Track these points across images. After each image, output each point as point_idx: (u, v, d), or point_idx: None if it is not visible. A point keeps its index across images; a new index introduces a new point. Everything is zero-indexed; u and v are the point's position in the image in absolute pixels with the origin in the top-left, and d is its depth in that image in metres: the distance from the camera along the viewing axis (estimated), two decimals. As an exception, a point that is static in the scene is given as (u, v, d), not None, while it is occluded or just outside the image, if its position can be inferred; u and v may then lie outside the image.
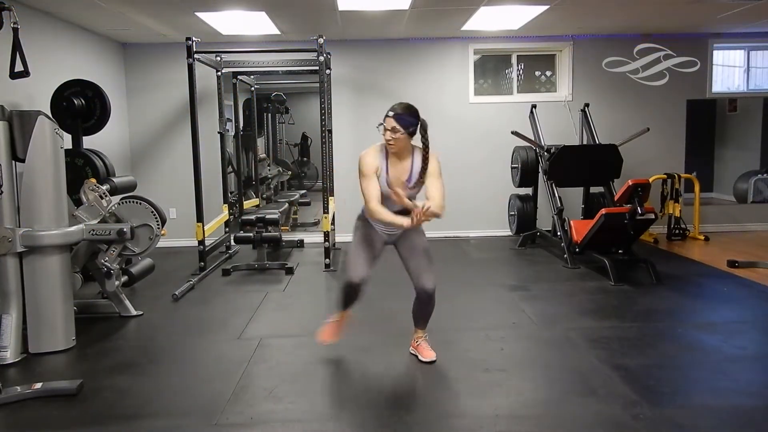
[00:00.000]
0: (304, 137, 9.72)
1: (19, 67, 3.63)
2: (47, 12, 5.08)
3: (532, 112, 6.38)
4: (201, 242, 5.47)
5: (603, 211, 4.96)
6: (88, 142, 4.93)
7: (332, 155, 6.34)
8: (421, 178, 2.94)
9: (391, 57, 6.84)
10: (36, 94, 4.72)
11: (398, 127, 2.83)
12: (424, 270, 3.06)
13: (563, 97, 7.01)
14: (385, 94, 6.86)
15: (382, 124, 2.89)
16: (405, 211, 2.89)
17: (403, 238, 3.09)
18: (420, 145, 2.94)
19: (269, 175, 8.49)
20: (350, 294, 3.14)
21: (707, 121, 8.59)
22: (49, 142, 3.47)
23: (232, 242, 6.23)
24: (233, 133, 7.23)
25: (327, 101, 5.72)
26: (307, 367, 3.22)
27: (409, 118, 2.86)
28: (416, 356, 3.26)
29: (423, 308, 3.18)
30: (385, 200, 2.94)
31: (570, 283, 4.84)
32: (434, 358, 3.19)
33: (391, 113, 2.86)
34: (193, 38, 5.29)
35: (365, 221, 3.11)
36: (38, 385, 2.86)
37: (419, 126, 2.90)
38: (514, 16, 5.75)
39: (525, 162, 6.30)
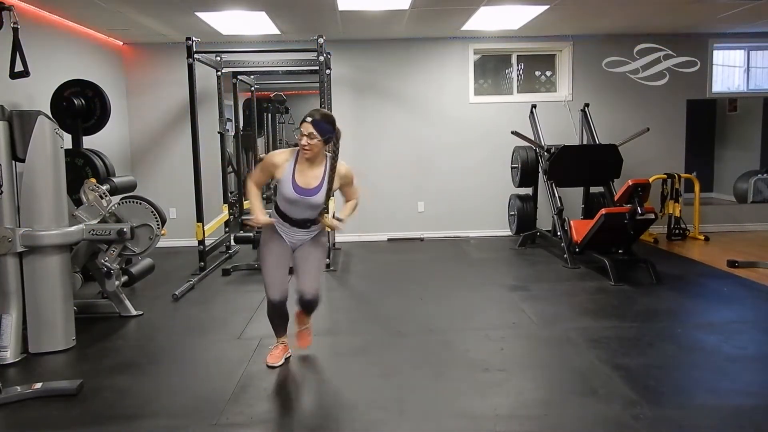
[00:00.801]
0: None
1: (19, 67, 3.64)
2: (47, 12, 5.08)
3: (532, 112, 6.38)
4: (201, 242, 5.47)
5: (603, 211, 4.96)
6: (88, 142, 4.93)
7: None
8: (330, 185, 2.97)
9: (391, 57, 6.84)
10: (36, 94, 4.72)
11: (315, 133, 2.86)
12: (310, 278, 3.11)
13: (563, 97, 7.01)
14: (385, 94, 6.87)
15: (298, 128, 2.93)
16: (303, 223, 3.01)
17: (304, 246, 3.12)
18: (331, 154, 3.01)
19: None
20: (276, 314, 3.18)
21: (707, 121, 8.59)
22: (49, 142, 3.47)
23: (232, 242, 6.23)
24: (233, 133, 7.23)
25: (327, 101, 5.72)
26: (306, 367, 3.23)
27: (326, 125, 2.90)
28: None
29: (306, 309, 3.24)
30: (289, 205, 2.98)
31: (570, 283, 4.84)
32: (305, 346, 3.32)
33: (308, 119, 2.88)
34: (193, 38, 5.29)
35: (272, 229, 3.11)
36: (38, 385, 2.86)
37: (334, 135, 2.94)
38: (514, 16, 5.75)
39: (525, 162, 6.30)
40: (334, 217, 3.09)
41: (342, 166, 3.01)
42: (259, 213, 3.02)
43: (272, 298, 3.09)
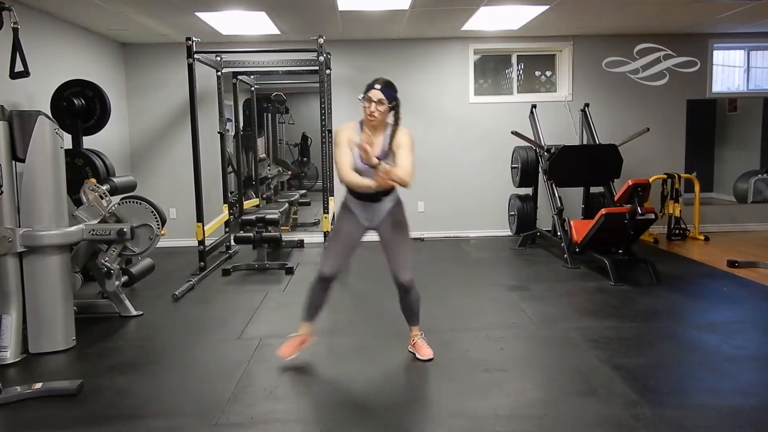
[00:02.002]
0: (304, 137, 9.73)
1: (19, 67, 3.63)
2: (47, 12, 5.08)
3: (532, 112, 6.38)
4: (201, 242, 5.47)
5: (603, 211, 4.96)
6: (88, 142, 4.92)
7: (332, 155, 6.34)
8: (391, 150, 2.95)
9: (391, 57, 6.84)
10: (36, 94, 4.72)
11: (384, 98, 2.89)
12: (401, 262, 3.09)
13: (563, 97, 7.01)
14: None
15: (364, 97, 2.91)
16: (375, 195, 2.97)
17: (384, 225, 3.08)
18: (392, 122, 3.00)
19: (269, 175, 8.49)
20: (319, 289, 3.13)
21: (707, 121, 8.59)
22: (49, 142, 3.47)
23: (232, 242, 6.23)
24: (233, 133, 7.23)
25: (327, 101, 5.72)
26: (307, 367, 3.22)
27: (392, 91, 2.94)
28: (414, 354, 3.26)
29: (405, 301, 3.21)
30: (360, 176, 2.95)
31: (570, 283, 4.84)
32: (431, 356, 3.20)
33: (377, 86, 2.90)
34: (193, 38, 5.30)
35: (346, 207, 3.10)
36: (38, 385, 2.86)
37: (397, 101, 2.96)
38: (514, 16, 5.75)
39: (525, 162, 6.30)
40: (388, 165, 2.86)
41: (402, 131, 2.99)
42: (368, 182, 2.87)
43: (322, 269, 3.05)
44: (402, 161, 2.93)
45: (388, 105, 2.91)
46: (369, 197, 3.01)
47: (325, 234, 5.60)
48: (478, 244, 6.68)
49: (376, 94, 2.88)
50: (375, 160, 2.78)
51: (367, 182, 2.90)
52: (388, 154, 2.95)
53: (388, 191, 3.04)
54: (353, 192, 3.04)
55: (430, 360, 3.19)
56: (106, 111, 4.90)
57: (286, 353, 3.18)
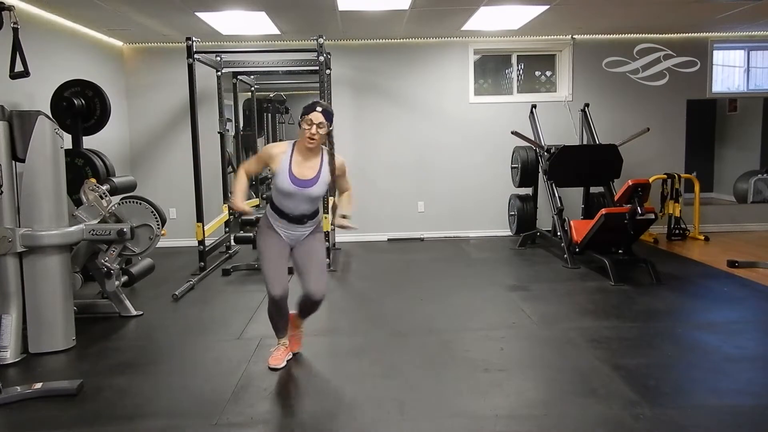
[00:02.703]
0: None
1: (19, 67, 3.63)
2: (47, 12, 5.08)
3: (532, 112, 6.38)
4: (201, 242, 5.47)
5: (603, 211, 4.96)
6: (88, 142, 4.93)
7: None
8: (331, 175, 3.01)
9: (391, 57, 6.84)
10: (36, 94, 4.72)
11: (324, 122, 2.91)
12: (317, 278, 3.10)
13: (563, 97, 7.01)
14: (385, 95, 6.87)
15: (303, 119, 2.92)
16: (300, 218, 3.02)
17: (302, 244, 3.11)
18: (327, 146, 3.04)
19: (269, 175, 8.48)
20: (277, 311, 3.16)
21: (707, 121, 8.59)
22: (49, 142, 3.47)
23: (232, 242, 6.23)
24: (233, 133, 7.23)
25: (327, 101, 5.72)
26: (307, 367, 3.23)
27: (331, 116, 2.97)
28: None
29: (309, 309, 3.24)
30: (286, 199, 2.99)
31: (570, 283, 4.84)
32: (300, 350, 3.34)
33: (319, 108, 2.92)
34: (193, 38, 5.29)
35: (268, 226, 3.10)
36: (38, 385, 2.86)
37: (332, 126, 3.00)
38: (514, 16, 5.75)
39: (525, 162, 6.30)
40: (337, 216, 3.10)
41: (339, 158, 3.05)
42: (239, 198, 3.03)
43: (274, 293, 3.05)
44: (347, 185, 3.16)
45: (329, 127, 2.93)
46: (292, 219, 3.03)
47: (325, 234, 5.58)
48: (478, 244, 6.68)
49: (318, 116, 2.89)
50: (343, 222, 3.03)
51: (237, 198, 3.01)
52: (324, 178, 2.98)
53: (312, 216, 3.08)
54: (276, 210, 3.04)
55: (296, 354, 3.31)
56: (106, 111, 4.90)
57: (276, 363, 3.19)
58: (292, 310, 3.28)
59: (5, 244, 3.35)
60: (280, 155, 2.97)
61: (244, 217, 5.73)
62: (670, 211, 6.52)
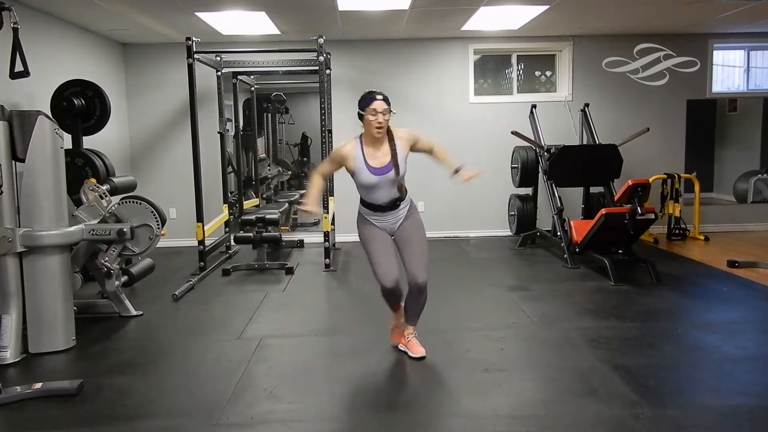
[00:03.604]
0: (304, 137, 9.72)
1: (19, 67, 3.63)
2: (47, 12, 5.08)
3: (532, 112, 6.38)
4: (201, 242, 5.47)
5: (603, 211, 4.96)
6: (88, 142, 4.93)
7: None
8: (401, 152, 3.02)
9: (392, 57, 6.84)
10: (36, 94, 4.72)
11: (388, 108, 2.97)
12: (418, 263, 3.11)
13: (563, 97, 7.01)
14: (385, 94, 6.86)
15: (367, 110, 2.96)
16: (393, 203, 3.04)
17: (402, 229, 3.14)
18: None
19: (269, 175, 8.49)
20: (391, 298, 3.22)
21: (707, 121, 8.59)
22: (49, 142, 3.47)
23: (232, 242, 6.23)
24: (233, 133, 7.23)
25: (327, 101, 5.73)
26: (307, 367, 3.23)
27: (388, 99, 3.02)
28: (406, 352, 3.28)
29: (414, 302, 3.22)
30: (373, 191, 3.02)
31: (570, 283, 4.84)
32: (424, 354, 3.22)
33: (379, 97, 2.98)
34: (193, 38, 5.30)
35: (364, 220, 3.16)
36: (38, 385, 2.86)
37: None
38: (514, 16, 5.75)
39: (525, 162, 6.30)
40: (458, 176, 3.12)
41: (399, 130, 3.06)
42: (312, 202, 3.04)
43: (386, 286, 3.09)
44: (436, 147, 3.19)
45: (390, 113, 2.97)
46: (385, 207, 3.07)
47: (326, 234, 5.59)
48: (478, 244, 6.68)
49: (381, 104, 2.95)
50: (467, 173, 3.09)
51: (313, 191, 3.09)
52: (399, 156, 3.01)
53: (402, 197, 3.10)
54: (368, 204, 3.09)
55: (422, 358, 3.21)
56: (106, 111, 4.89)
57: (397, 339, 3.31)
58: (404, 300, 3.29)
59: (5, 244, 3.35)
60: (352, 153, 3.01)
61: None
62: (670, 211, 6.52)
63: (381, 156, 3.00)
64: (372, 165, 2.98)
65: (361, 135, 3.05)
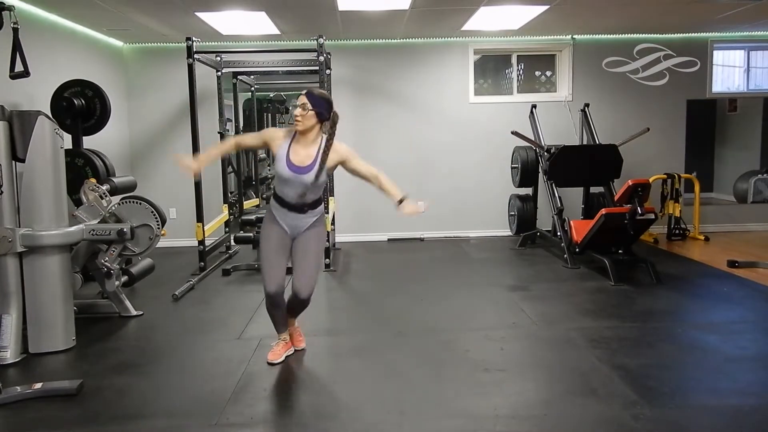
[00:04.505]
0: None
1: (19, 67, 3.64)
2: (47, 12, 5.08)
3: (532, 112, 6.38)
4: (201, 242, 5.47)
5: (603, 211, 4.96)
6: (88, 142, 4.93)
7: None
8: (323, 163, 2.97)
9: (391, 57, 6.84)
10: (36, 94, 4.72)
11: (308, 104, 2.94)
12: (306, 278, 3.11)
13: (563, 97, 7.01)
14: (385, 95, 6.87)
15: (294, 105, 2.98)
16: (300, 206, 3.02)
17: (301, 239, 3.12)
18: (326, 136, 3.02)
19: (269, 175, 8.49)
20: (272, 305, 3.17)
21: (707, 121, 8.59)
22: (49, 142, 3.47)
23: (232, 242, 6.23)
24: (233, 133, 7.22)
25: (327, 101, 5.71)
26: (307, 366, 3.23)
27: (320, 100, 2.97)
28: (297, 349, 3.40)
29: (295, 308, 3.25)
30: (284, 185, 3.01)
31: (570, 283, 4.84)
32: (304, 346, 3.39)
33: (304, 92, 2.98)
34: (193, 38, 5.30)
35: (271, 218, 3.12)
36: (38, 385, 2.86)
37: (331, 117, 3.00)
38: (514, 16, 5.74)
39: (525, 162, 6.30)
40: (401, 207, 3.03)
41: (339, 145, 3.02)
42: (199, 158, 3.10)
43: (268, 289, 3.09)
44: (376, 175, 3.05)
45: (313, 111, 2.93)
46: (292, 206, 3.04)
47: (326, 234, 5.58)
48: (478, 244, 6.68)
49: (302, 98, 2.96)
50: (412, 208, 3.02)
51: (213, 150, 3.17)
52: (318, 165, 2.97)
53: (313, 205, 3.08)
54: (277, 197, 3.07)
55: (302, 350, 3.38)
56: (106, 111, 4.89)
57: (274, 358, 3.23)
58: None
59: (5, 244, 3.35)
60: (281, 140, 3.02)
61: (243, 218, 5.72)
62: (670, 211, 6.52)
63: (304, 156, 2.97)
64: (292, 160, 2.97)
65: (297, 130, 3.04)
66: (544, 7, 5.37)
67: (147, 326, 4.00)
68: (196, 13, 5.26)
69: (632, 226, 4.90)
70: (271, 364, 3.18)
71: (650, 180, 5.48)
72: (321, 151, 2.98)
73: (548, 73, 7.32)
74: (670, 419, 2.52)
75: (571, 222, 5.51)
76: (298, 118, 2.94)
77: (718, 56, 7.14)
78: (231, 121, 7.14)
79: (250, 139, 3.18)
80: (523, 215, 6.50)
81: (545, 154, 5.93)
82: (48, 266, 3.48)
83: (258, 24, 5.72)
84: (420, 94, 6.89)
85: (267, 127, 8.91)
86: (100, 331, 3.87)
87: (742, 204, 7.68)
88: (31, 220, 3.44)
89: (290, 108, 3.01)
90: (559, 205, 5.75)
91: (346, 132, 6.71)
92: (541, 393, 2.86)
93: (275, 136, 3.04)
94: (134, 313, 4.17)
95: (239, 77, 7.10)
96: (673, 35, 6.89)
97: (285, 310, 3.25)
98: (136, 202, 4.06)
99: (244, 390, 2.90)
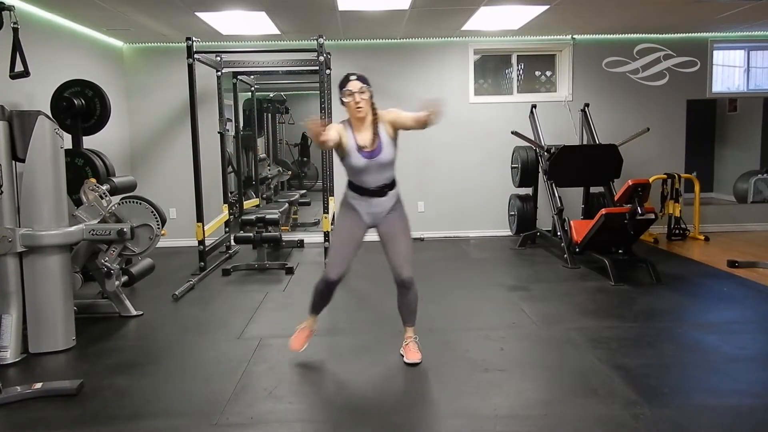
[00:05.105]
0: (304, 137, 9.73)
1: (19, 67, 3.64)
2: (47, 12, 5.08)
3: (532, 112, 6.38)
4: (201, 242, 5.47)
5: (603, 211, 4.96)
6: (88, 142, 4.92)
7: (332, 155, 6.34)
8: (390, 140, 2.94)
9: (391, 57, 6.84)
10: (36, 94, 4.72)
11: (364, 86, 2.89)
12: (402, 258, 3.07)
13: (563, 97, 7.01)
14: (385, 94, 6.81)
15: (343, 92, 2.89)
16: (380, 190, 2.98)
17: (387, 222, 3.08)
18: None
19: (269, 175, 8.49)
20: (324, 292, 3.14)
21: (707, 121, 8.59)
22: (49, 142, 3.47)
23: (232, 242, 6.23)
24: (233, 133, 7.23)
25: (327, 101, 5.72)
26: (307, 367, 3.22)
27: (365, 78, 2.93)
28: (402, 357, 3.24)
29: (403, 300, 3.19)
30: (362, 174, 2.96)
31: (570, 283, 4.84)
32: (418, 360, 3.16)
33: (352, 77, 2.90)
34: (193, 38, 5.30)
35: (347, 205, 3.09)
36: (38, 385, 2.86)
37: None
38: (514, 16, 5.75)
39: (525, 162, 6.30)
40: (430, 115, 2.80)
41: (383, 112, 2.96)
42: (330, 128, 2.85)
43: (330, 276, 3.04)
44: (415, 117, 2.88)
45: (370, 90, 2.90)
46: (373, 192, 3.00)
47: (326, 234, 5.60)
48: (478, 244, 6.68)
49: (355, 84, 2.88)
50: (321, 132, 2.72)
51: (332, 129, 2.86)
52: (386, 140, 2.92)
53: (391, 186, 3.04)
54: (355, 188, 3.04)
55: (416, 364, 3.15)
56: (106, 111, 4.89)
57: (297, 346, 3.21)
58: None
59: (5, 244, 3.35)
60: (344, 133, 2.93)
61: (243, 218, 5.72)
62: (670, 211, 6.52)
63: (368, 140, 2.92)
64: (362, 148, 2.92)
65: (347, 120, 2.99)
66: (544, 7, 5.37)
67: (147, 326, 4.00)
68: (196, 13, 5.26)
69: (632, 226, 4.90)
70: (416, 364, 3.11)
71: (650, 180, 5.48)
72: (378, 127, 2.93)
73: (548, 73, 7.32)
74: (670, 419, 2.52)
75: (571, 222, 5.51)
76: (360, 105, 2.87)
77: (718, 56, 7.14)
78: (231, 121, 7.15)
79: (332, 131, 2.89)
80: (523, 215, 6.50)
81: (545, 154, 5.93)
82: (48, 266, 3.48)
83: (258, 24, 5.72)
84: (420, 94, 6.87)
85: (267, 127, 8.93)
86: (100, 331, 3.87)
87: (742, 204, 7.68)
88: (31, 220, 3.44)
89: (342, 100, 2.96)
90: (559, 205, 5.75)
91: (346, 132, 6.74)
92: (541, 393, 2.86)
93: (341, 132, 2.93)
94: (134, 313, 4.17)
95: (239, 77, 7.11)
96: (673, 35, 6.89)
97: (329, 301, 3.18)
98: (136, 202, 4.06)
99: (244, 390, 2.90)
